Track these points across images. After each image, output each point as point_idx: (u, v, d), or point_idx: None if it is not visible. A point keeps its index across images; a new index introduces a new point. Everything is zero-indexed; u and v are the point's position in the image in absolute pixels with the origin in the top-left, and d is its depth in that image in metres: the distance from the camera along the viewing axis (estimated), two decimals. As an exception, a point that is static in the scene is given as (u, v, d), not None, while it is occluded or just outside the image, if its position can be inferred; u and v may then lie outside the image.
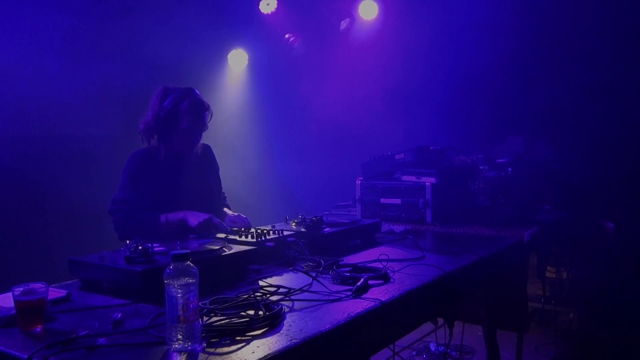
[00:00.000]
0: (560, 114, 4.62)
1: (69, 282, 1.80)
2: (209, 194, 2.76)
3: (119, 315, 1.37)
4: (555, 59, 4.77)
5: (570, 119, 4.60)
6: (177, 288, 1.17)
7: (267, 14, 5.32)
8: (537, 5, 4.80)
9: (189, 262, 1.21)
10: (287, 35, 5.48)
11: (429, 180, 3.21)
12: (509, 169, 3.84)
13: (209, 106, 2.61)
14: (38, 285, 1.34)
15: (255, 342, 1.21)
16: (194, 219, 2.30)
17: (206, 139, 2.78)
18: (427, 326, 3.80)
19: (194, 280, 1.19)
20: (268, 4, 5.25)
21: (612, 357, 3.94)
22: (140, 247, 1.64)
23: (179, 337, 1.16)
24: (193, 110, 2.53)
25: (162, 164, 2.56)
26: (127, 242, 1.67)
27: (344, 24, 5.37)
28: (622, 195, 4.46)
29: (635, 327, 3.99)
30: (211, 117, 2.64)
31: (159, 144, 2.58)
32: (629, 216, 4.41)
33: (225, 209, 2.82)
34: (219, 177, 2.92)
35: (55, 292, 1.59)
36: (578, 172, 4.27)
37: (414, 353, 4.04)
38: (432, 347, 4.02)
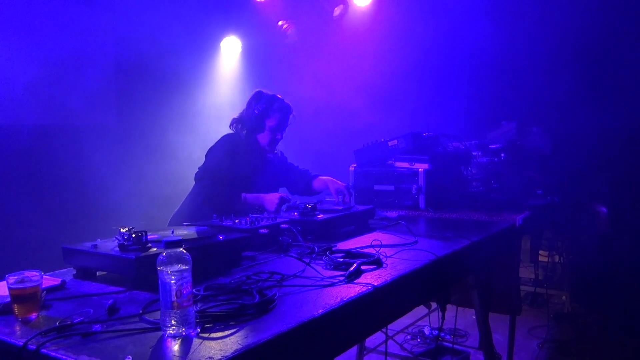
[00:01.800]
0: (553, 100, 4.63)
1: (63, 270, 1.81)
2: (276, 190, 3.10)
3: (114, 302, 1.38)
4: (549, 45, 4.78)
5: (563, 104, 4.62)
6: (171, 274, 1.18)
7: (260, 1, 5.29)
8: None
9: (182, 249, 1.22)
10: (280, 22, 5.45)
11: (422, 167, 3.23)
12: (502, 155, 3.86)
13: (292, 109, 3.04)
14: (32, 274, 1.35)
15: (248, 327, 1.23)
16: (270, 204, 2.63)
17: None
18: (421, 310, 3.85)
19: (187, 267, 1.21)
20: (261, -9, 5.22)
21: (604, 338, 4.01)
22: (134, 235, 1.65)
23: (173, 322, 1.17)
24: (282, 111, 2.97)
25: (247, 154, 2.93)
26: (121, 229, 1.68)
27: (337, 11, 5.35)
28: (614, 180, 4.49)
29: (626, 309, 4.05)
30: (294, 119, 3.06)
31: (247, 138, 2.97)
32: (621, 200, 4.46)
33: (322, 177, 3.16)
34: (297, 170, 3.25)
35: (50, 280, 1.60)
36: (570, 157, 4.29)
37: (409, 337, 4.09)
38: (426, 331, 4.07)
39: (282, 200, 2.64)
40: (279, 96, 3.03)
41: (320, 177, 3.16)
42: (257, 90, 3.04)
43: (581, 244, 4.65)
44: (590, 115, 4.35)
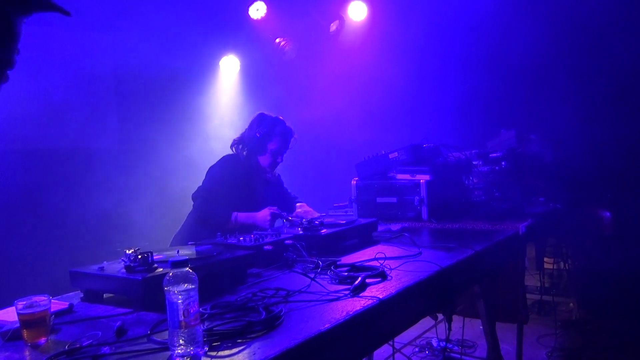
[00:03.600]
0: (552, 106, 4.66)
1: (71, 293, 1.83)
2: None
3: (122, 324, 1.39)
4: (546, 53, 4.81)
5: (561, 110, 4.64)
6: (177, 294, 1.19)
7: (257, 20, 5.35)
8: (525, 2, 4.85)
9: (188, 269, 1.24)
10: (277, 40, 5.51)
11: (423, 178, 3.24)
12: (503, 163, 3.87)
13: (294, 134, 3.11)
14: (40, 298, 1.36)
15: (255, 344, 1.24)
16: (263, 222, 2.69)
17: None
18: (428, 322, 3.85)
19: (193, 286, 1.22)
20: (257, 10, 5.28)
21: (613, 345, 3.98)
22: (139, 256, 1.67)
23: (181, 342, 1.18)
24: (283, 135, 3.03)
25: (246, 174, 2.98)
26: (126, 251, 1.70)
27: (333, 26, 5.40)
28: (616, 184, 4.50)
29: (635, 314, 4.03)
30: (296, 142, 3.13)
31: (247, 159, 3.01)
32: (625, 203, 4.45)
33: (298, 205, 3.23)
34: (283, 188, 3.34)
35: (57, 304, 1.62)
36: (571, 162, 4.30)
37: (417, 349, 4.07)
38: (434, 342, 4.05)
39: (274, 216, 2.69)
40: (281, 118, 3.08)
41: (298, 204, 3.22)
42: (259, 112, 3.11)
43: (586, 250, 4.64)
44: (589, 120, 4.37)
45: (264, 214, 2.72)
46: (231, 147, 3.10)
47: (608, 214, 4.45)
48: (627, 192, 4.50)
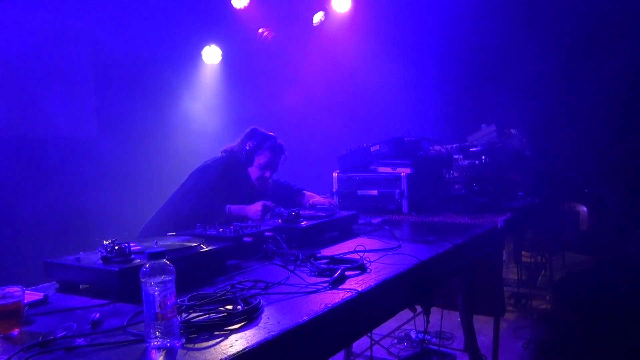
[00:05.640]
0: (532, 102, 4.71)
1: (45, 284, 1.80)
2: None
3: (97, 316, 1.38)
4: (527, 49, 4.86)
5: (541, 106, 4.70)
6: (154, 286, 1.18)
7: (240, 9, 5.30)
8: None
9: (165, 260, 1.22)
10: (260, 30, 5.47)
11: (404, 171, 3.26)
12: (483, 158, 3.91)
13: (286, 151, 3.11)
14: (14, 289, 1.34)
15: (233, 336, 1.23)
16: (254, 214, 2.70)
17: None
18: (408, 314, 3.88)
19: (170, 278, 1.20)
20: (240, -1, 5.22)
21: (588, 337, 4.06)
22: (116, 247, 1.64)
23: (157, 334, 1.17)
24: (273, 150, 3.03)
25: (237, 180, 3.01)
26: (103, 242, 1.67)
27: (317, 18, 5.37)
28: (594, 179, 4.58)
29: (609, 307, 4.11)
30: (285, 160, 3.13)
31: (237, 169, 3.03)
32: (601, 199, 4.54)
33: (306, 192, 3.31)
34: (278, 184, 3.34)
35: (32, 295, 1.59)
36: (550, 158, 4.36)
37: (395, 341, 4.11)
38: (413, 334, 4.08)
39: (266, 208, 2.68)
40: (272, 134, 3.10)
41: (307, 194, 3.30)
42: (252, 127, 3.12)
43: (562, 244, 4.72)
44: (569, 116, 4.43)
45: (255, 206, 2.73)
46: (221, 153, 3.12)
47: (585, 208, 4.53)
48: (604, 187, 4.58)
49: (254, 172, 3.05)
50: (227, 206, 2.78)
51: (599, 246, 4.48)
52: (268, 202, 2.72)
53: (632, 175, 4.50)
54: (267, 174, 3.07)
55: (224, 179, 2.96)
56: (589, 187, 4.58)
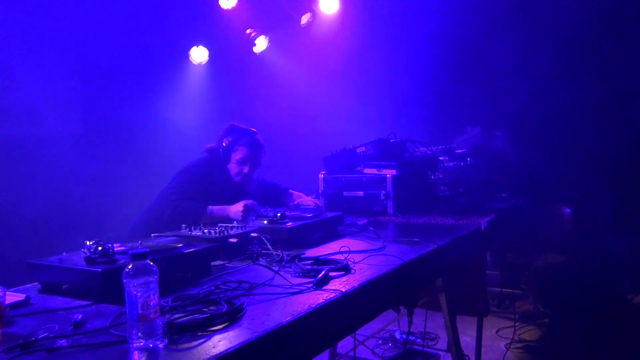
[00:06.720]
0: (516, 105, 4.76)
1: (28, 285, 1.78)
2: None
3: (80, 317, 1.37)
4: (511, 52, 4.91)
5: (525, 108, 4.75)
6: (137, 287, 1.18)
7: (228, 10, 5.28)
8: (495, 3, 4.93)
9: (148, 261, 1.22)
10: (248, 31, 5.46)
11: (390, 172, 3.28)
12: (468, 159, 3.95)
13: (264, 146, 3.07)
14: (-5, 290, 1.33)
15: (216, 337, 1.24)
16: (235, 214, 2.64)
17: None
18: (392, 315, 3.90)
19: (153, 279, 1.21)
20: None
21: (570, 337, 4.11)
22: (100, 248, 1.64)
23: (140, 335, 1.17)
24: (250, 146, 3.00)
25: (220, 181, 2.99)
26: (87, 242, 1.67)
27: (304, 19, 5.38)
28: (577, 181, 4.63)
29: (590, 307, 4.17)
30: (265, 155, 3.09)
31: (219, 167, 3.01)
32: (584, 201, 4.59)
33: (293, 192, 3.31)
34: (263, 183, 3.32)
35: (13, 296, 1.58)
36: (534, 160, 4.41)
37: (380, 342, 4.13)
38: (397, 335, 4.11)
39: (247, 208, 2.65)
40: (253, 130, 3.07)
41: (295, 194, 3.29)
42: (230, 123, 3.10)
43: (545, 245, 4.77)
44: (552, 118, 4.48)
45: (237, 206, 2.69)
46: (203, 154, 3.09)
47: (568, 210, 4.59)
48: (587, 189, 4.64)
49: (232, 168, 3.02)
50: (209, 207, 2.75)
51: (582, 247, 4.54)
52: (250, 202, 2.69)
53: (616, 176, 4.56)
54: (246, 170, 3.02)
55: (206, 178, 2.94)
56: (572, 188, 4.64)
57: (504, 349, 3.98)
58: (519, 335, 4.15)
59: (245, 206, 2.65)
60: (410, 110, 5.20)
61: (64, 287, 1.70)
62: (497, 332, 4.27)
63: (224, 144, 3.00)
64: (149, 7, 4.75)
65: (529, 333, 4.26)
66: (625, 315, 4.03)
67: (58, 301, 1.60)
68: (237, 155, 2.99)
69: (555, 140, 4.47)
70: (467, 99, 5.04)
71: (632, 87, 4.31)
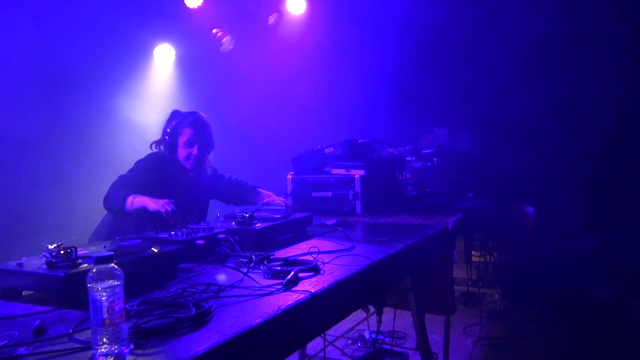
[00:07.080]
0: (480, 106, 4.85)
1: (-15, 292, 1.72)
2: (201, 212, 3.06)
3: (38, 322, 1.32)
4: (478, 53, 5.00)
5: (490, 109, 4.84)
6: (102, 291, 1.15)
7: (193, 9, 5.22)
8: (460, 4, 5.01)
9: (113, 264, 1.19)
10: (214, 31, 5.40)
11: (358, 173, 3.29)
12: (435, 160, 4.00)
13: (209, 124, 2.97)
14: (-50, 297, 1.27)
15: (184, 341, 1.21)
16: (154, 207, 2.49)
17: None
18: (361, 315, 3.92)
19: (119, 283, 1.17)
20: (193, -2, 5.15)
21: (535, 333, 4.21)
22: (62, 252, 1.59)
23: (105, 340, 1.14)
24: (193, 125, 2.90)
25: (170, 173, 2.88)
26: (48, 246, 1.61)
27: (271, 19, 5.36)
28: (539, 181, 4.75)
29: (555, 304, 4.28)
30: (213, 135, 2.99)
31: (170, 158, 2.91)
32: (547, 200, 4.71)
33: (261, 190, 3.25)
34: (228, 181, 3.24)
35: (-30, 303, 1.51)
36: (499, 160, 4.50)
37: (349, 342, 4.14)
38: (366, 334, 4.13)
39: (169, 214, 2.45)
40: (200, 113, 3.00)
41: (264, 192, 3.25)
42: (173, 109, 3.02)
43: (510, 243, 4.87)
44: (516, 119, 4.58)
45: (158, 201, 2.50)
46: (150, 147, 2.98)
47: (531, 209, 4.70)
48: (549, 188, 4.76)
49: (181, 153, 2.91)
50: (132, 195, 2.58)
51: (545, 245, 4.65)
52: (170, 203, 2.48)
53: (579, 176, 4.69)
54: (195, 152, 2.90)
55: (152, 174, 2.81)
56: (536, 188, 4.75)
57: (471, 346, 4.04)
58: (485, 332, 4.23)
59: (169, 203, 2.48)
60: (378, 110, 5.24)
61: (24, 293, 1.65)
62: (464, 329, 4.34)
63: (168, 130, 2.91)
64: (112, 4, 4.65)
65: (495, 330, 4.34)
66: (587, 310, 4.15)
67: (18, 307, 1.54)
68: (183, 138, 2.89)
69: (520, 141, 4.57)
70: (434, 100, 5.11)
71: (594, 88, 4.45)
